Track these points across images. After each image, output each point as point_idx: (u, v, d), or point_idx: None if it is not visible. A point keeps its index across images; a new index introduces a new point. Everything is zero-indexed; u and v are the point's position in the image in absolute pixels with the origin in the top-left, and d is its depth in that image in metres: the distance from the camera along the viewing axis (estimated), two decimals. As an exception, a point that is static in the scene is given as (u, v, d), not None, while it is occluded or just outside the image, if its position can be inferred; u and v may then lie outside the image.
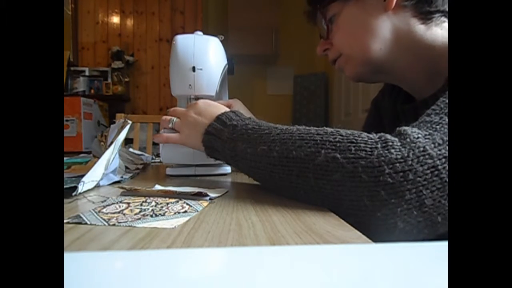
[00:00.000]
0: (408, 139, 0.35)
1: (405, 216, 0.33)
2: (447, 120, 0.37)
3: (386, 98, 0.70)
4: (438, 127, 0.36)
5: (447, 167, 0.33)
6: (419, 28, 0.53)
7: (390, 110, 0.67)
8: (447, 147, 0.34)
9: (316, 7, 0.60)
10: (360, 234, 0.28)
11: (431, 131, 0.36)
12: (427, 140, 0.34)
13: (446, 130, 0.35)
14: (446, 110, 0.38)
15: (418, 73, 0.56)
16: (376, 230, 0.35)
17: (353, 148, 0.36)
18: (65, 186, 0.41)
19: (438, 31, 0.53)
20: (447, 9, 0.53)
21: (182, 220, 0.31)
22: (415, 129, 0.36)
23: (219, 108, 0.55)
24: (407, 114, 0.60)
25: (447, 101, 0.40)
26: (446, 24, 0.54)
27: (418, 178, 0.33)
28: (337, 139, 0.37)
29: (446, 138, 0.34)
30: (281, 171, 0.40)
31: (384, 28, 0.54)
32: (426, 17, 0.52)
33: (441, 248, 0.21)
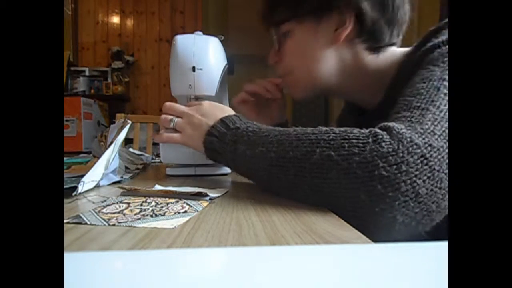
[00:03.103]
0: (393, 131, 0.35)
1: (403, 208, 0.34)
2: (417, 113, 0.38)
3: (346, 113, 0.74)
4: (413, 119, 0.37)
5: (433, 155, 0.34)
6: (368, 58, 0.56)
7: (353, 123, 0.69)
8: (429, 135, 0.35)
9: (269, 26, 0.61)
10: (360, 234, 0.28)
11: (408, 123, 0.37)
12: (409, 130, 0.35)
13: (421, 121, 0.37)
14: (412, 105, 0.40)
15: (363, 92, 0.60)
16: (376, 226, 0.35)
17: (346, 145, 0.36)
18: (65, 186, 0.41)
19: (385, 54, 0.57)
20: (396, 42, 0.57)
21: (182, 220, 0.31)
22: (394, 123, 0.37)
23: (224, 110, 0.55)
24: (364, 124, 0.63)
25: (408, 98, 0.41)
26: (394, 47, 0.57)
27: (411, 169, 0.33)
28: (331, 137, 0.38)
29: (425, 127, 0.35)
30: (279, 172, 0.40)
31: (332, 59, 0.56)
32: (375, 50, 0.56)
33: (441, 248, 0.21)
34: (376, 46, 0.55)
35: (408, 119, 0.38)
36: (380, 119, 0.40)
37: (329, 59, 0.56)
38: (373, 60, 0.56)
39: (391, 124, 0.37)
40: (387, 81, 0.55)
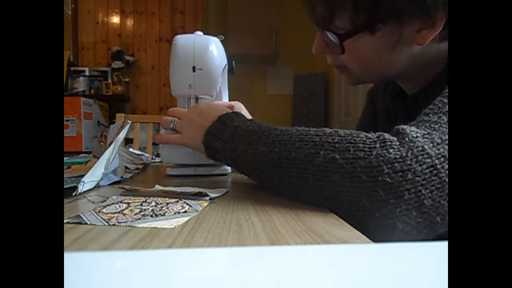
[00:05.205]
0: (406, 139, 0.34)
1: (404, 216, 0.33)
2: (445, 119, 0.37)
3: (380, 90, 0.69)
4: (436, 126, 0.36)
5: (446, 167, 0.33)
6: (435, 46, 0.50)
7: (383, 103, 0.67)
8: (446, 147, 0.34)
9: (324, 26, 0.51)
10: (360, 234, 0.28)
11: (429, 131, 0.35)
12: (425, 139, 0.34)
13: (444, 130, 0.35)
14: (444, 109, 0.38)
15: (418, 75, 0.55)
16: (375, 231, 0.35)
17: (351, 149, 0.35)
18: (65, 186, 0.41)
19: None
20: None
21: (182, 220, 0.31)
22: (413, 128, 0.36)
23: (221, 109, 0.55)
24: (397, 109, 0.60)
25: (444, 100, 0.39)
26: None
27: (417, 178, 0.32)
28: (335, 140, 0.37)
29: (444, 138, 0.34)
30: (281, 172, 0.40)
31: (404, 58, 0.50)
32: (445, 36, 0.49)
33: (441, 248, 0.21)
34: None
35: (433, 125, 0.36)
36: (412, 109, 0.38)
37: (400, 61, 0.50)
38: (437, 45, 0.50)
39: (408, 129, 0.36)
40: (434, 73, 0.51)
